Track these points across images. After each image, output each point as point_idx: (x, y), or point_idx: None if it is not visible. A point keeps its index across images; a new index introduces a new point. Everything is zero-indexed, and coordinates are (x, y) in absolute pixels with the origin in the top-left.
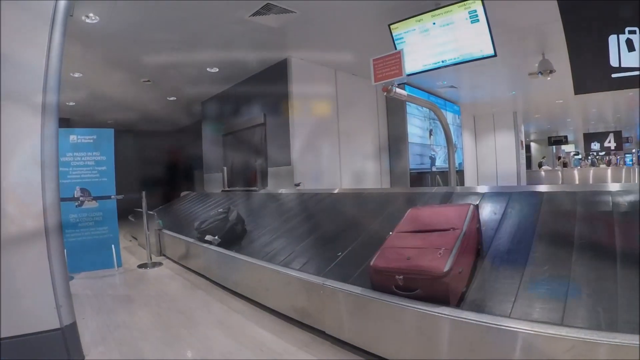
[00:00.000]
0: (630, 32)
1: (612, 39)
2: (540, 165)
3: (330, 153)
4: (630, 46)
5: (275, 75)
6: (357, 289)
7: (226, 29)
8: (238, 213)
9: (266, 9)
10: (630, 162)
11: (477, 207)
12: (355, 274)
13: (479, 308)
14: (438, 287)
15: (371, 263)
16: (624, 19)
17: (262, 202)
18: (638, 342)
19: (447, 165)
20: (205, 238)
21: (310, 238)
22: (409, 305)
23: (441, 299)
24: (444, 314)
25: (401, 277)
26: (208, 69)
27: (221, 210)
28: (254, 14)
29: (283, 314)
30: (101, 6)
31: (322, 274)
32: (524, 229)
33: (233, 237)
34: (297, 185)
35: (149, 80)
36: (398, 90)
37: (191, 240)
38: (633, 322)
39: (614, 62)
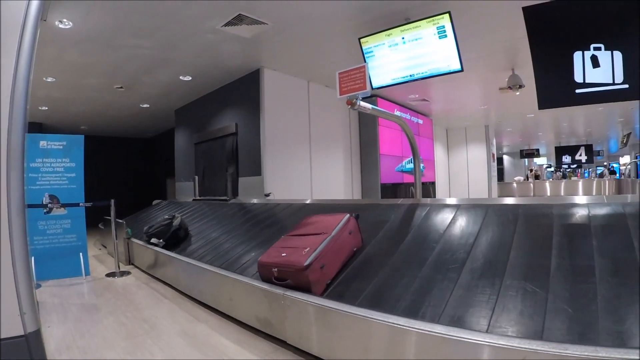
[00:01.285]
0: (596, 48)
1: (577, 55)
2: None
3: (301, 164)
4: (595, 63)
5: (248, 85)
6: (315, 299)
7: (199, 38)
8: (182, 219)
9: (238, 20)
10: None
11: (356, 216)
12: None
13: (339, 297)
14: (302, 278)
15: (258, 259)
16: (590, 36)
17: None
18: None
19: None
20: (151, 241)
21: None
22: (367, 316)
23: (305, 288)
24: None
25: (276, 269)
26: (181, 77)
27: (167, 216)
28: (226, 24)
29: (247, 324)
30: (75, 11)
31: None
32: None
33: (176, 240)
34: (268, 195)
35: (122, 87)
36: (362, 103)
37: (159, 249)
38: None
39: (578, 78)
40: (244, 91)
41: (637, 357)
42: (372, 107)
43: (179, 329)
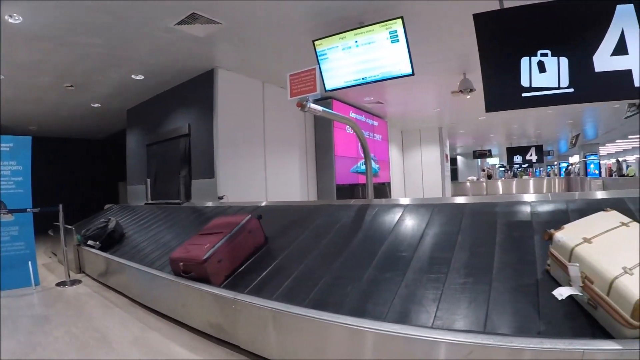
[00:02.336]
0: (543, 54)
1: (525, 60)
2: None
3: (256, 166)
4: (542, 68)
5: (201, 86)
6: (265, 302)
7: (152, 36)
8: (117, 222)
9: (192, 19)
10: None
11: (258, 217)
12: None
13: (233, 287)
14: (201, 271)
15: (170, 255)
16: (537, 43)
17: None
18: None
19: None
20: (88, 243)
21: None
22: (317, 317)
23: (205, 280)
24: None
25: (182, 264)
26: (133, 76)
27: (102, 220)
28: (179, 23)
29: (200, 330)
30: (26, 6)
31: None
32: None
33: (111, 242)
34: (221, 198)
35: (72, 86)
36: (312, 105)
37: (110, 256)
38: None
39: (525, 82)
40: (197, 91)
41: (579, 347)
42: (323, 109)
43: (132, 337)
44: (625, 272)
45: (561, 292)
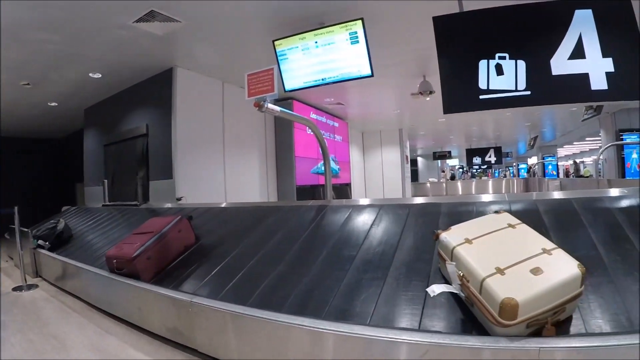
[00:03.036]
0: (500, 57)
1: (483, 63)
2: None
3: (215, 167)
4: (499, 71)
5: (160, 85)
6: (221, 305)
7: (110, 33)
8: (65, 223)
9: (150, 16)
10: (512, 174)
11: (188, 218)
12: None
13: (160, 282)
14: (131, 267)
15: (105, 253)
16: (495, 46)
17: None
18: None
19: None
20: (38, 242)
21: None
22: (274, 319)
23: (135, 276)
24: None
25: (115, 261)
26: (91, 74)
27: (52, 220)
28: (138, 20)
29: (157, 334)
30: None
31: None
32: None
33: (60, 242)
34: (179, 199)
35: (28, 84)
36: (270, 106)
37: (66, 259)
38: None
39: (482, 85)
40: (155, 91)
41: (535, 346)
42: (281, 110)
43: (89, 343)
44: (497, 272)
45: (434, 290)
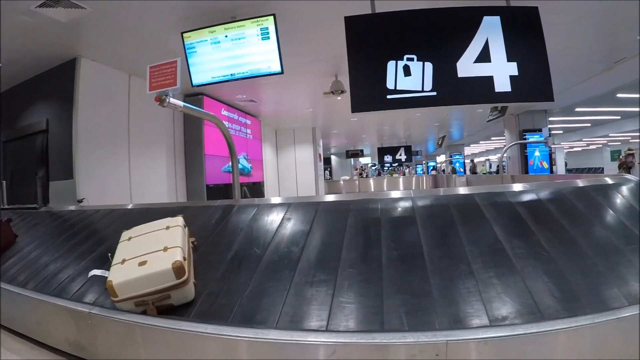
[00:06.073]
0: (409, 59)
1: (391, 64)
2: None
3: (120, 166)
4: (407, 72)
5: (63, 76)
6: (121, 315)
7: (10, 19)
8: None
9: (54, 1)
10: (421, 172)
11: (7, 220)
12: None
13: None
14: None
15: None
16: (404, 47)
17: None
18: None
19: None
20: None
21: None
22: (176, 327)
23: None
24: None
25: None
26: None
27: None
28: (41, 5)
29: (60, 350)
30: None
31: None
32: None
33: None
34: (80, 201)
35: None
36: (172, 100)
37: None
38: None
39: (390, 85)
40: (58, 82)
41: (443, 339)
42: (185, 105)
43: None
44: (121, 262)
45: (94, 273)
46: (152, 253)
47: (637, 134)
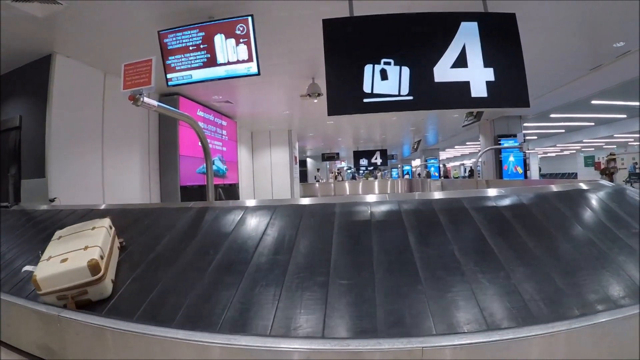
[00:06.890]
0: (386, 63)
1: (368, 68)
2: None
3: (93, 165)
4: (384, 75)
5: (37, 72)
6: (91, 319)
7: None
8: None
9: None
10: (396, 176)
11: None
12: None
13: None
14: None
15: None
16: (381, 51)
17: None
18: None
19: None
20: None
21: None
22: (141, 332)
23: None
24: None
25: None
26: None
27: None
28: None
29: (30, 353)
30: None
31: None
32: None
33: None
34: (52, 200)
35: None
36: (146, 100)
37: None
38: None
39: (367, 89)
40: (32, 79)
41: (418, 345)
42: (159, 105)
43: None
44: (48, 259)
45: (26, 269)
46: (74, 251)
47: (621, 138)
